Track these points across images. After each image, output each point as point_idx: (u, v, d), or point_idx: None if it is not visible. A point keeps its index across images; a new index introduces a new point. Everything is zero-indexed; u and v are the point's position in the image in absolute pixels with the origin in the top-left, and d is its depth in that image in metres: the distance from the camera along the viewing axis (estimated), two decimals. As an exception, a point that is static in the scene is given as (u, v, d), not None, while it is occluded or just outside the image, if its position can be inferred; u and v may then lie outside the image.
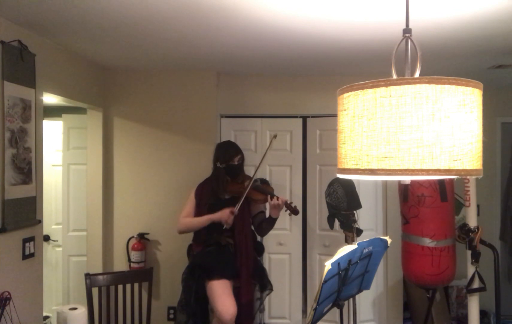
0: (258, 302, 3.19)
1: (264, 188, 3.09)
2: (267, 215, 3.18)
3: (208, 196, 3.12)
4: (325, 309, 1.95)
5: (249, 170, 4.30)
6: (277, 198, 3.00)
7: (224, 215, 2.99)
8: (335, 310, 2.12)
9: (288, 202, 3.03)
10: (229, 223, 2.98)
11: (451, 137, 1.13)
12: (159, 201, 3.95)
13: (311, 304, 1.85)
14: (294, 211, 3.03)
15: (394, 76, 1.30)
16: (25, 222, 2.68)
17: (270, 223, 3.12)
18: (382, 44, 2.92)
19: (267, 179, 4.18)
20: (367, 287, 2.23)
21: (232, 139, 4.26)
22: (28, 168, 2.69)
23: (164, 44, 3.07)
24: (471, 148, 1.17)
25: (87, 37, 2.92)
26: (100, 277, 3.15)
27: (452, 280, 3.27)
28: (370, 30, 2.66)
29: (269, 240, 4.07)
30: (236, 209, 2.98)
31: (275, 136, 3.29)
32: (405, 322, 4.22)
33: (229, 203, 3.03)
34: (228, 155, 3.13)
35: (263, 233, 3.20)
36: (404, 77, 1.20)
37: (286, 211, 3.02)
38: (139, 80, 3.99)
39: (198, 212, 3.12)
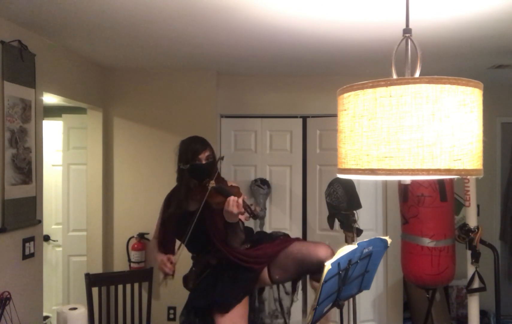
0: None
1: (226, 188, 2.34)
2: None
3: (175, 208, 2.48)
4: (325, 309, 1.95)
5: (249, 170, 4.33)
6: (233, 199, 2.25)
7: (160, 265, 2.38)
8: (335, 310, 2.12)
9: (248, 204, 2.31)
10: (168, 272, 2.35)
11: (451, 137, 1.13)
12: (159, 201, 3.91)
13: (311, 304, 1.85)
14: (253, 215, 2.33)
15: (394, 76, 1.30)
16: (25, 222, 2.68)
17: (232, 231, 2.38)
18: (382, 44, 2.92)
19: (267, 178, 4.20)
20: (367, 287, 2.23)
21: (232, 140, 4.27)
22: (28, 168, 2.69)
23: (164, 44, 3.07)
24: (471, 148, 1.17)
25: (87, 37, 2.92)
26: (100, 277, 3.14)
27: (452, 280, 3.27)
28: (370, 30, 2.66)
29: (269, 240, 4.07)
30: (176, 255, 2.38)
31: (222, 157, 2.62)
32: (405, 322, 4.22)
33: (196, 214, 2.35)
34: (191, 153, 2.43)
35: (230, 243, 2.44)
36: (404, 77, 1.20)
37: (243, 213, 2.31)
38: (139, 80, 3.99)
39: (165, 231, 2.53)
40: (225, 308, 2.35)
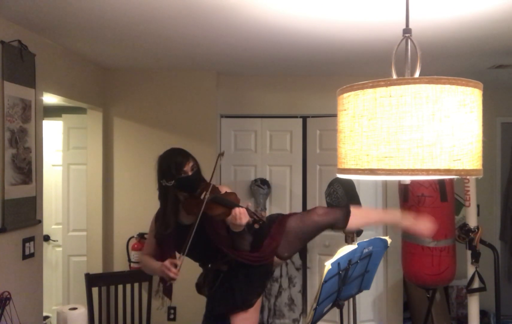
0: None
1: (224, 198, 2.26)
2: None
3: (171, 227, 2.37)
4: (325, 309, 1.95)
5: (249, 170, 4.33)
6: (238, 211, 2.18)
7: (163, 269, 2.24)
8: (335, 310, 2.12)
9: (253, 211, 2.25)
10: (173, 277, 2.23)
11: (451, 137, 1.13)
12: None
13: (311, 304, 1.85)
14: (261, 222, 2.28)
15: (394, 76, 1.30)
16: (25, 222, 2.68)
17: (239, 237, 2.34)
18: (382, 44, 2.92)
19: (267, 178, 4.20)
20: (367, 287, 2.23)
21: (232, 140, 4.27)
22: (28, 168, 2.69)
23: (164, 44, 3.07)
24: (471, 148, 1.17)
25: (87, 37, 2.92)
26: (100, 277, 3.15)
27: (452, 280, 3.27)
28: (370, 30, 2.66)
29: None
30: (180, 259, 2.27)
31: (222, 153, 2.44)
32: (405, 322, 4.22)
33: (193, 227, 2.27)
34: (175, 168, 2.28)
35: (238, 247, 2.41)
36: (404, 77, 1.20)
37: (250, 222, 2.25)
38: (139, 80, 3.99)
39: (162, 249, 2.41)
40: (247, 306, 2.38)
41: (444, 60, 3.44)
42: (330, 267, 1.74)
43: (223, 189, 2.38)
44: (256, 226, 2.26)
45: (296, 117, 4.26)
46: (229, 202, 2.23)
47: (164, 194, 2.35)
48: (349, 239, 3.26)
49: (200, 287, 2.53)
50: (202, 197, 2.24)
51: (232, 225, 2.23)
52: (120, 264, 3.95)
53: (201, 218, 2.22)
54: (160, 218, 2.39)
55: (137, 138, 3.98)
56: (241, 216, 2.17)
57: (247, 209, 2.20)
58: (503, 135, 4.66)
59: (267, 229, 2.51)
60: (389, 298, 4.17)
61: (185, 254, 2.28)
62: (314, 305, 1.79)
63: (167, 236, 2.37)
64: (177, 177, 2.27)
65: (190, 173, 2.30)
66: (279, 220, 2.55)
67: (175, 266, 2.24)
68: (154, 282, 3.30)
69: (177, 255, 2.39)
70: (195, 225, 2.21)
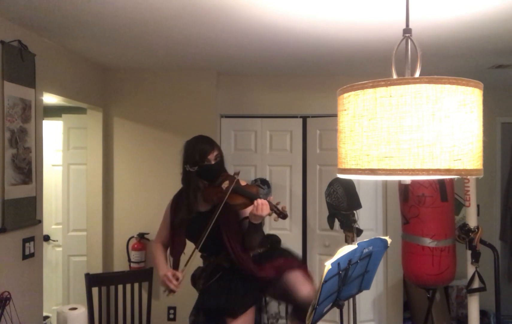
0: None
1: (246, 189, 2.32)
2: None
3: (186, 212, 2.41)
4: (325, 309, 1.95)
5: (248, 170, 4.32)
6: (261, 202, 2.22)
7: (164, 279, 2.29)
8: (335, 310, 2.12)
9: (274, 204, 2.28)
10: (172, 289, 2.27)
11: (451, 137, 1.13)
12: (159, 201, 3.93)
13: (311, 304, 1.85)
14: (282, 215, 2.29)
15: (394, 76, 1.30)
16: (25, 222, 2.68)
17: (254, 232, 2.32)
18: (382, 44, 2.92)
19: (267, 179, 4.20)
20: (367, 287, 2.23)
21: (232, 140, 4.27)
22: (28, 168, 2.69)
23: (164, 44, 3.07)
24: (471, 148, 1.17)
25: (87, 37, 2.92)
26: (100, 277, 3.14)
27: (452, 280, 3.27)
28: (370, 30, 2.66)
29: (269, 240, 4.07)
30: (183, 272, 2.28)
31: (237, 173, 2.39)
32: (405, 322, 4.22)
33: (209, 215, 2.32)
34: (199, 155, 2.34)
35: (250, 247, 2.40)
36: (404, 77, 1.20)
37: (271, 215, 2.28)
38: (139, 80, 3.99)
39: (174, 234, 2.45)
40: (234, 315, 2.34)
41: (444, 60, 3.44)
42: (330, 267, 1.74)
43: (243, 183, 2.41)
44: (276, 219, 2.28)
45: (296, 117, 4.26)
46: (250, 194, 2.28)
47: (187, 179, 2.41)
48: (349, 239, 3.26)
49: (195, 278, 2.51)
50: (223, 186, 2.31)
51: (253, 216, 2.25)
52: (120, 264, 3.95)
53: (217, 208, 2.27)
54: (184, 202, 2.42)
55: (137, 138, 3.99)
56: (262, 207, 2.21)
57: (269, 202, 2.24)
58: (503, 135, 4.66)
59: (276, 254, 2.51)
60: (389, 298, 4.17)
61: (199, 248, 2.31)
62: (314, 305, 1.79)
63: (181, 222, 2.41)
64: (201, 164, 2.34)
65: (213, 162, 2.36)
66: (288, 260, 2.48)
67: (177, 279, 2.26)
68: (154, 282, 3.30)
69: (182, 261, 2.40)
70: (218, 211, 2.26)
